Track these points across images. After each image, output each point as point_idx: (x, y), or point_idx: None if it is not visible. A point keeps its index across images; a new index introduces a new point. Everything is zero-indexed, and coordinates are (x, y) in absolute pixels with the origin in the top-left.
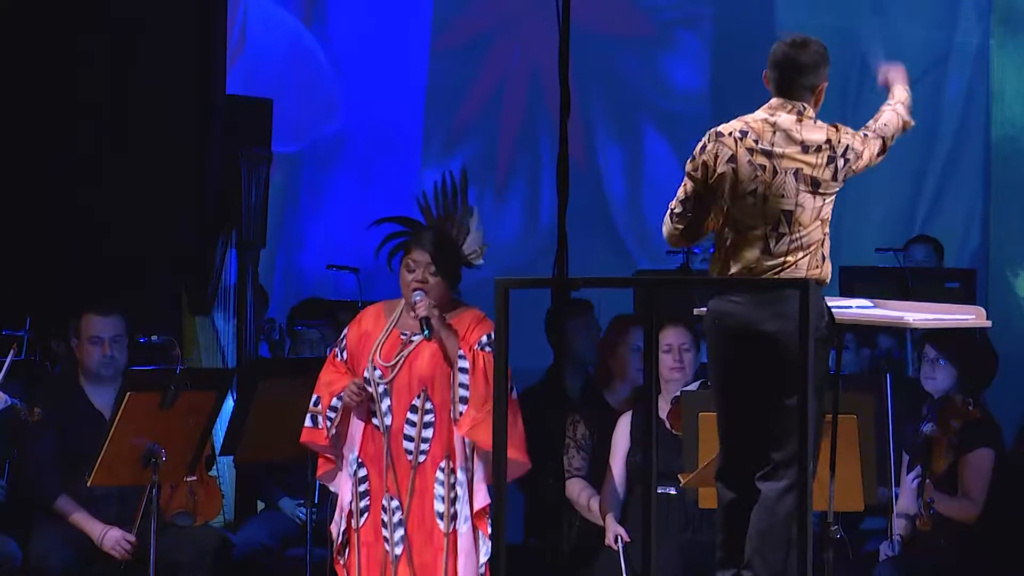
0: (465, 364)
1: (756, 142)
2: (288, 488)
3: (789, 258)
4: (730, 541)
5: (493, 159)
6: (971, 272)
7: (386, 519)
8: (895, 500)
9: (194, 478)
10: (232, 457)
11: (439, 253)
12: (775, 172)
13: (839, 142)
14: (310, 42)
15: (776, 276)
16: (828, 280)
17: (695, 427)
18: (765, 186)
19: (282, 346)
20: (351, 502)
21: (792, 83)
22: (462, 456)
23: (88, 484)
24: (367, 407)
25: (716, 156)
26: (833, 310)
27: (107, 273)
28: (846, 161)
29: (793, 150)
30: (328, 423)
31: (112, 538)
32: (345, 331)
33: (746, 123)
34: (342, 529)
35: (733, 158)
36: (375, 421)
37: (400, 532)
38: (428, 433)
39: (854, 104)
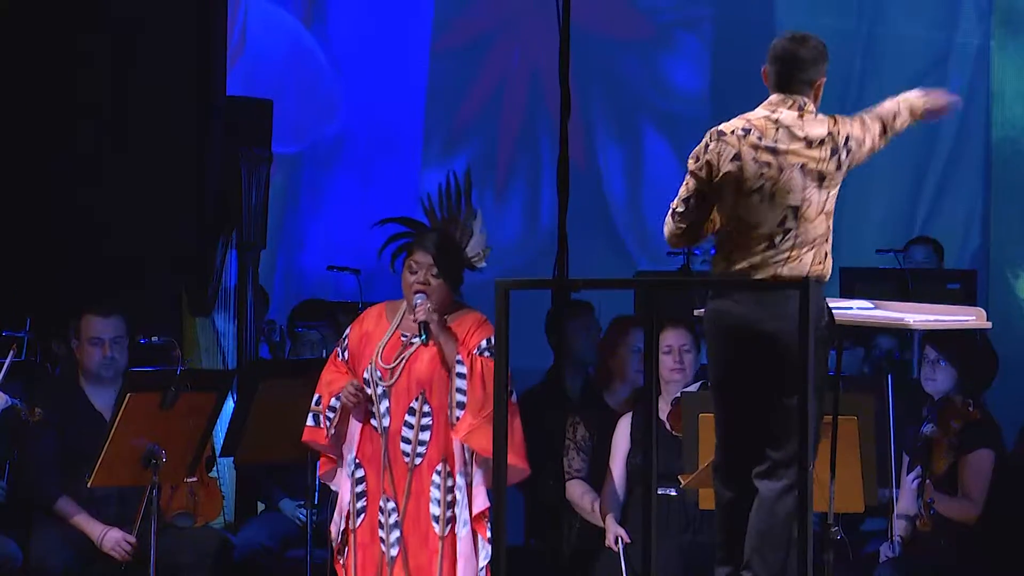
0: (463, 369)
1: (760, 139)
2: (288, 489)
3: (794, 252)
4: (728, 540)
5: (493, 160)
6: (971, 273)
7: (383, 520)
8: (895, 501)
9: (194, 479)
10: (232, 458)
11: (441, 255)
12: (781, 169)
13: (839, 133)
14: (310, 42)
15: (780, 270)
16: (828, 277)
17: (695, 428)
18: (772, 183)
19: (282, 347)
20: (349, 502)
21: (792, 78)
22: (461, 460)
23: (88, 485)
24: (365, 408)
25: (720, 155)
26: (834, 311)
27: (107, 273)
28: (848, 151)
29: (798, 146)
30: (327, 423)
31: (112, 539)
32: (347, 331)
33: (748, 121)
34: (341, 529)
35: (738, 156)
36: (373, 422)
37: (396, 534)
38: (425, 436)
39: (854, 106)
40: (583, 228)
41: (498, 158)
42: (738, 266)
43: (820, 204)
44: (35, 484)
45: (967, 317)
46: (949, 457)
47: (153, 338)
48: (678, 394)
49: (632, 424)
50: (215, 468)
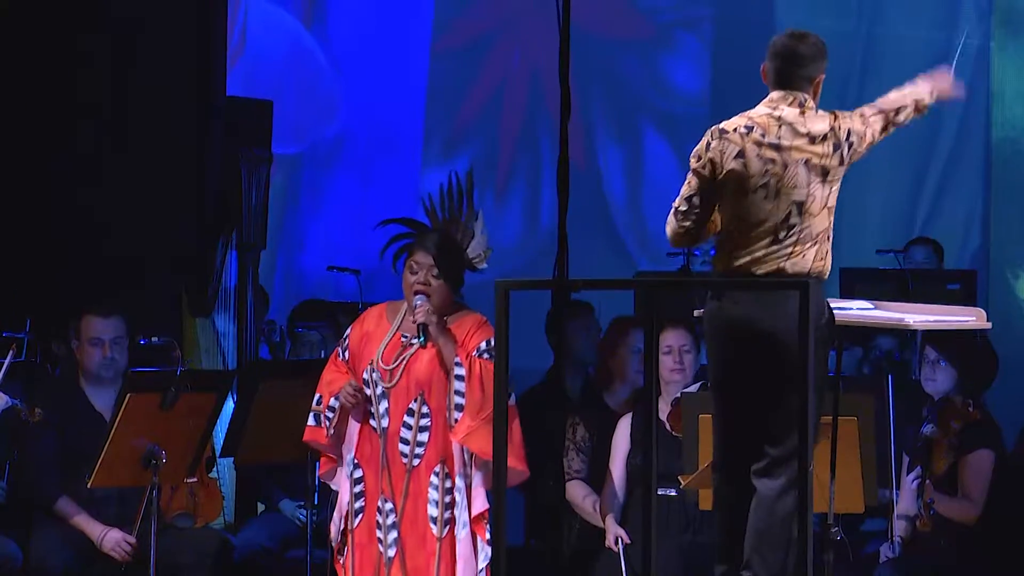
0: (461, 371)
1: (763, 136)
2: (288, 490)
3: (797, 248)
4: (728, 540)
5: (493, 160)
6: (971, 273)
7: (380, 521)
8: (895, 501)
9: (194, 480)
10: (232, 459)
11: (442, 256)
12: (786, 165)
13: (840, 128)
14: (310, 43)
15: (783, 265)
16: (828, 274)
17: (695, 429)
18: (777, 179)
19: (282, 348)
20: (348, 502)
21: (791, 74)
22: (460, 462)
23: (88, 485)
24: (364, 408)
25: (723, 153)
26: (834, 311)
27: (107, 273)
28: (850, 145)
29: (801, 142)
30: (327, 422)
31: (112, 539)
32: (348, 331)
33: (749, 118)
34: (340, 529)
35: (741, 153)
36: (372, 423)
37: (394, 534)
38: (424, 437)
39: (854, 106)
40: (583, 228)
41: (498, 158)
42: (739, 261)
43: (823, 199)
44: (35, 484)
45: (967, 317)
46: (949, 457)
47: (153, 339)
48: (678, 394)
49: (632, 424)
50: (215, 469)
